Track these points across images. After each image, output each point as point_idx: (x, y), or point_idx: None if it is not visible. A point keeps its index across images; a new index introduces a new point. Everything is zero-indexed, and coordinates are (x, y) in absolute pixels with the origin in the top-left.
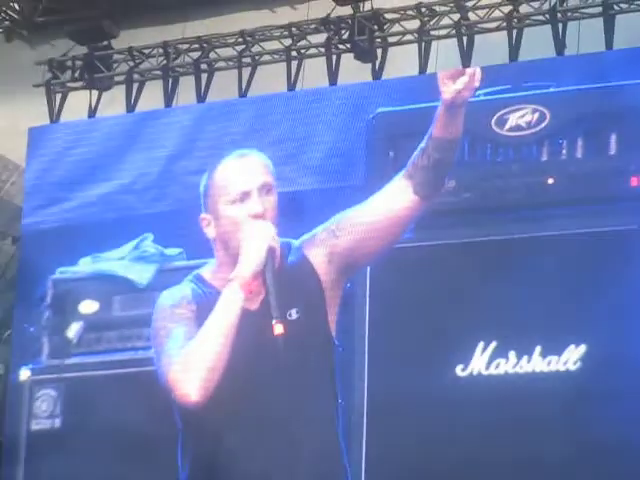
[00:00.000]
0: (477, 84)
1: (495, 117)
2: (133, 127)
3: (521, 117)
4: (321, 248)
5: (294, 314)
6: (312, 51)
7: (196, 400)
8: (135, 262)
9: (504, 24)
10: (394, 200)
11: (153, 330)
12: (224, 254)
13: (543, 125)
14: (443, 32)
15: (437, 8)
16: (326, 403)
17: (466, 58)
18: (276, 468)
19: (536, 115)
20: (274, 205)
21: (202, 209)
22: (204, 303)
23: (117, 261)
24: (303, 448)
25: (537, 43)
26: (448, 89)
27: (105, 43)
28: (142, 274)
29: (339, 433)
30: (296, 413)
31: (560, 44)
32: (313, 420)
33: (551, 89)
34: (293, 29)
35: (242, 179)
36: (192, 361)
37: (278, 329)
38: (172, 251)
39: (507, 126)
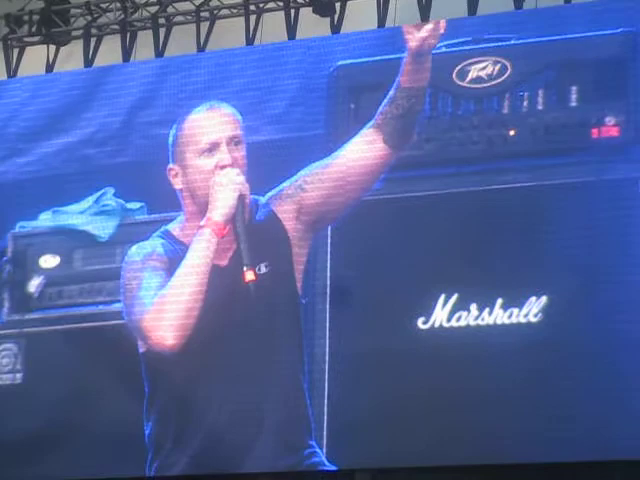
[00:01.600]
0: (442, 31)
1: (456, 69)
2: (93, 81)
3: (482, 69)
4: (289, 203)
5: (263, 268)
6: (270, 5)
7: (172, 344)
8: (96, 216)
9: None
10: (364, 152)
11: (124, 281)
12: (192, 205)
13: (504, 77)
14: None
15: None
16: (293, 355)
17: (425, 12)
18: (244, 417)
19: (497, 67)
20: (243, 156)
21: (170, 160)
22: (176, 257)
23: (78, 215)
24: (270, 398)
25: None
26: (413, 37)
27: None
28: (103, 228)
29: (304, 385)
30: (264, 364)
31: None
32: (280, 371)
33: (512, 41)
34: None
35: (211, 130)
36: (167, 306)
37: (249, 276)
38: (133, 205)
39: (468, 78)
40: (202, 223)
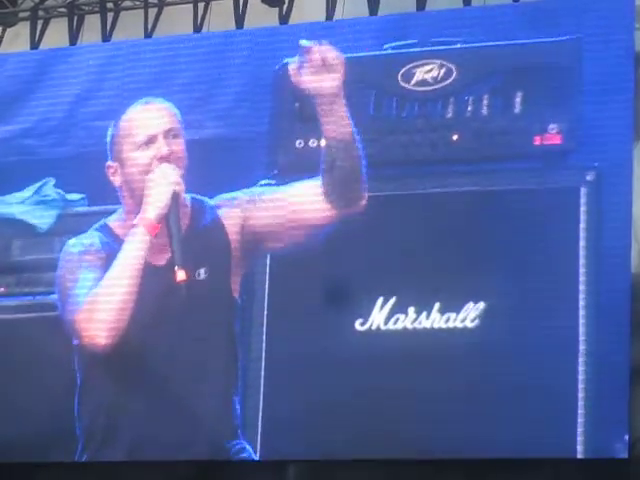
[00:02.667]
0: (337, 69)
1: (402, 71)
2: (37, 67)
3: (428, 72)
4: (238, 211)
5: (202, 274)
6: None
7: (103, 343)
8: (36, 206)
9: None
10: (308, 205)
11: (59, 276)
12: (131, 201)
13: (449, 81)
14: None
15: None
16: (226, 356)
17: (373, 4)
18: (173, 414)
19: (443, 70)
20: (181, 149)
21: (109, 157)
22: (112, 253)
23: (17, 205)
24: (200, 406)
25: None
26: (308, 86)
27: None
28: (43, 219)
29: (237, 384)
30: (196, 363)
31: None
32: (212, 371)
33: (458, 45)
34: None
35: (148, 124)
36: (100, 304)
37: (180, 276)
38: (73, 196)
39: (413, 81)
40: (135, 221)
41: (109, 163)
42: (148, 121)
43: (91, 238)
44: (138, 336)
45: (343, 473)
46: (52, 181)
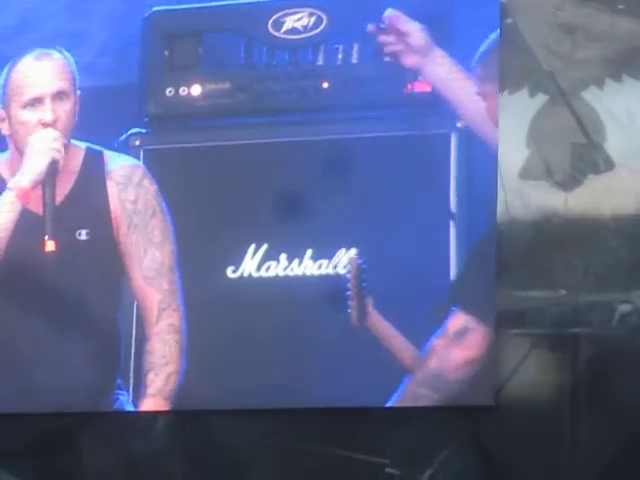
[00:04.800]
0: None
1: (271, 20)
2: None
3: (298, 20)
4: (116, 187)
5: (84, 235)
6: None
7: None
8: None
9: None
10: None
11: None
12: (17, 153)
13: (319, 29)
14: None
15: None
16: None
17: None
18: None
19: (313, 19)
20: (70, 113)
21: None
22: None
23: None
24: (79, 343)
25: None
26: None
27: None
28: None
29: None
30: (73, 330)
31: None
32: (92, 323)
33: None
34: None
35: (36, 83)
36: None
37: (50, 245)
38: None
39: (284, 29)
40: (10, 185)
41: None
42: (38, 79)
43: None
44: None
45: (212, 423)
46: None
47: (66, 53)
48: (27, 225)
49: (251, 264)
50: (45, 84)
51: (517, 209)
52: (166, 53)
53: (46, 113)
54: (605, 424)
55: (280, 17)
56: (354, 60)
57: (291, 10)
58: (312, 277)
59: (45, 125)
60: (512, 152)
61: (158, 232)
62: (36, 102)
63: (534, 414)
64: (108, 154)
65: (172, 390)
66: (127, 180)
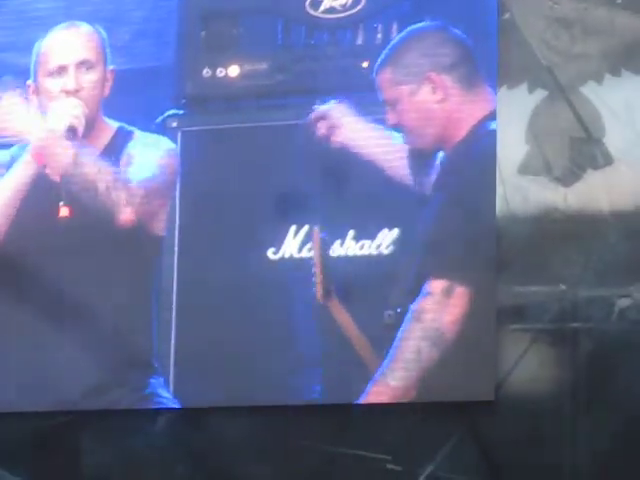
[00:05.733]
0: None
1: None
2: None
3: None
4: None
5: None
6: None
7: None
8: None
9: None
10: None
11: None
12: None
13: (358, 8)
14: None
15: None
16: (139, 296)
17: None
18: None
19: None
20: (96, 85)
21: (31, 76)
22: None
23: None
24: (111, 337)
25: None
26: None
27: None
28: None
29: (152, 318)
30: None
31: None
32: (122, 310)
33: None
34: None
35: (63, 52)
36: None
37: (63, 211)
38: None
39: (322, 8)
40: (28, 148)
41: (29, 82)
42: (64, 48)
43: (3, 154)
44: (16, 260)
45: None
46: None
47: (99, 27)
48: (44, 190)
49: (292, 245)
50: (70, 53)
51: (516, 204)
52: (203, 34)
53: (69, 81)
54: (605, 418)
55: None
56: (394, 39)
57: None
58: (355, 257)
59: (67, 93)
60: (511, 147)
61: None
62: (61, 70)
63: (534, 409)
64: (138, 134)
65: None
66: None
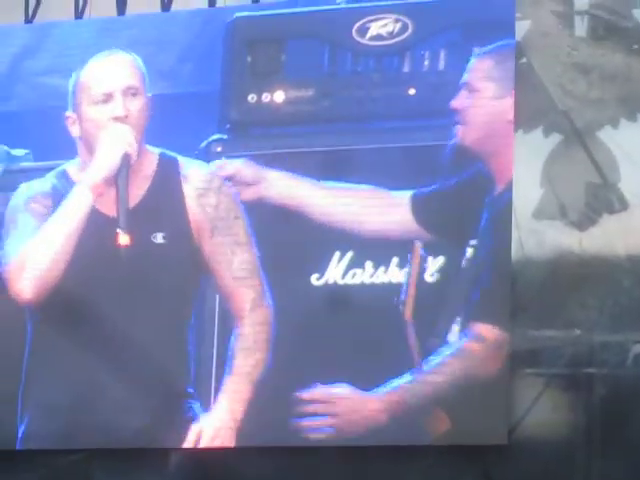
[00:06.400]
0: None
1: (356, 26)
2: None
3: (383, 26)
4: (194, 192)
5: (160, 238)
6: None
7: (29, 298)
8: None
9: None
10: None
11: (4, 223)
12: (87, 155)
13: (405, 35)
14: None
15: None
16: (178, 326)
17: None
18: (114, 389)
19: (398, 25)
20: (140, 109)
21: (69, 107)
22: (62, 200)
23: None
24: (147, 367)
25: None
26: None
27: None
28: None
29: (189, 354)
30: (143, 331)
31: None
32: (161, 341)
33: None
34: None
35: (107, 79)
36: (29, 259)
37: (123, 239)
38: (19, 152)
39: (368, 35)
40: (81, 178)
41: (68, 113)
42: (107, 76)
43: (42, 185)
44: (73, 294)
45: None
46: None
47: (134, 55)
48: (97, 225)
49: (336, 271)
50: (115, 80)
51: (531, 248)
52: (248, 59)
53: (117, 108)
54: (619, 464)
55: (365, 23)
56: (441, 67)
57: (376, 16)
58: (399, 284)
59: (116, 120)
60: (526, 191)
61: (242, 234)
62: (107, 98)
63: (548, 454)
64: (182, 159)
65: (259, 374)
66: (207, 185)
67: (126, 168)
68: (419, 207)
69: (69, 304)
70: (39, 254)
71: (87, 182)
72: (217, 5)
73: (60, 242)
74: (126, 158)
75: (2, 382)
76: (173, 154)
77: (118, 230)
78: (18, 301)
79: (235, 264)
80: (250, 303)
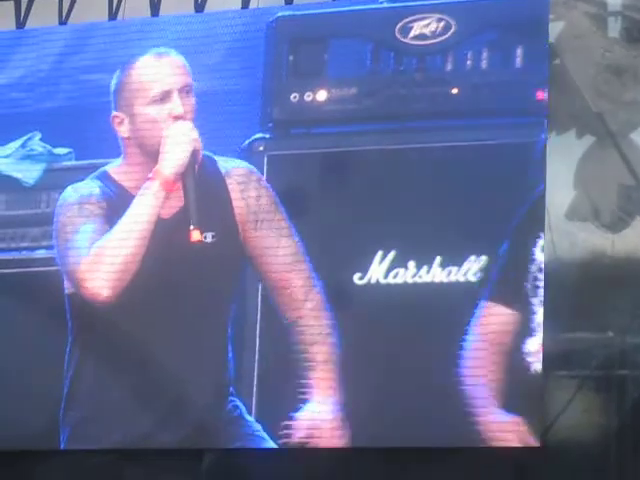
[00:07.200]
0: None
1: (399, 25)
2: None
3: (426, 26)
4: (237, 187)
5: (210, 238)
6: None
7: (106, 296)
8: (22, 160)
9: None
10: None
11: (58, 226)
12: (138, 154)
13: (448, 35)
14: None
15: None
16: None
17: None
18: (175, 376)
19: (441, 24)
20: (193, 107)
21: (113, 107)
22: (114, 202)
23: (2, 159)
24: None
25: None
26: None
27: None
28: (29, 173)
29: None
30: (195, 324)
31: None
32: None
33: None
34: None
35: (162, 78)
36: (104, 257)
37: (196, 235)
38: (61, 150)
39: (411, 34)
40: (151, 175)
41: (115, 113)
42: (162, 75)
43: (90, 187)
44: (142, 291)
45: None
46: (38, 135)
47: (178, 53)
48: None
49: (378, 271)
50: (171, 79)
51: (564, 250)
52: (291, 58)
53: (176, 106)
54: None
55: (408, 23)
56: (483, 66)
57: (419, 15)
58: (441, 284)
59: (176, 118)
60: (559, 193)
61: (284, 225)
62: (165, 96)
63: (580, 456)
64: (218, 158)
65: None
66: (247, 179)
67: (194, 164)
68: None
69: (140, 304)
70: (114, 253)
71: (159, 179)
72: (250, 6)
73: (136, 241)
74: (195, 154)
75: (45, 384)
76: (207, 153)
77: (191, 227)
78: (93, 300)
79: (281, 252)
80: (302, 290)
